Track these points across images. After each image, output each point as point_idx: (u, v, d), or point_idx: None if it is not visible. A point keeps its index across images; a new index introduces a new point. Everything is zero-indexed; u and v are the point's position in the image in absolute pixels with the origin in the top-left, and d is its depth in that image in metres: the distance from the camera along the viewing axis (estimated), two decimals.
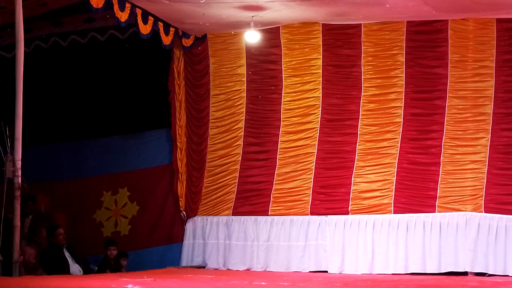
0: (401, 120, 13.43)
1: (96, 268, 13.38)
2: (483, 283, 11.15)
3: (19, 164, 10.45)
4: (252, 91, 14.25)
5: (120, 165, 14.93)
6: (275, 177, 13.88)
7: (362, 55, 13.67)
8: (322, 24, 13.78)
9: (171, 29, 13.75)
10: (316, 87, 13.90)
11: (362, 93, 13.65)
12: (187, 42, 14.28)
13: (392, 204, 13.15)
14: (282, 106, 14.03)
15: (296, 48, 14.03)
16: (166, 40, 13.67)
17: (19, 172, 10.45)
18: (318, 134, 13.81)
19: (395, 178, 13.26)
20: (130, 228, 14.75)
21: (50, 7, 13.26)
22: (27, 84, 10.94)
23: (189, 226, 14.23)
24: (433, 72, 13.36)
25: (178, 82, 14.49)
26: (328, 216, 13.44)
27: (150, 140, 14.88)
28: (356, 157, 13.54)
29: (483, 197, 12.77)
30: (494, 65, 13.07)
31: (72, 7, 13.35)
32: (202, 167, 14.32)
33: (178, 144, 14.40)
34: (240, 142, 14.20)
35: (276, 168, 13.91)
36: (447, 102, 13.22)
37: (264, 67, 14.22)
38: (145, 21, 12.94)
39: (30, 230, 13.34)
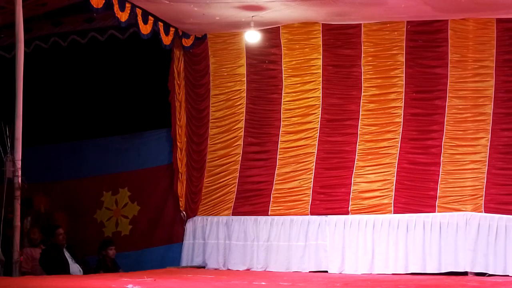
0: (401, 120, 13.43)
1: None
2: (483, 283, 11.15)
3: (19, 164, 10.46)
4: (252, 91, 14.25)
5: (120, 165, 14.93)
6: (275, 177, 13.88)
7: (362, 55, 13.67)
8: (322, 24, 13.78)
9: (171, 29, 13.75)
10: (316, 87, 13.91)
11: (362, 93, 13.65)
12: (187, 42, 14.29)
13: (392, 204, 13.15)
14: (282, 106, 14.03)
15: (296, 48, 14.03)
16: (166, 40, 13.68)
17: (19, 172, 10.46)
18: (318, 134, 13.81)
19: (395, 178, 13.26)
20: (131, 228, 14.74)
21: (50, 7, 13.27)
22: (27, 84, 10.94)
23: (189, 226, 14.23)
24: (433, 72, 13.36)
25: (178, 82, 14.49)
26: (328, 216, 13.43)
27: (150, 140, 14.88)
28: (356, 157, 13.54)
29: (483, 197, 12.77)
30: (494, 65, 13.06)
31: (72, 7, 13.36)
32: (202, 167, 14.32)
33: (178, 144, 14.40)
34: (240, 142, 14.20)
35: (276, 168, 13.91)
36: (447, 102, 13.22)
37: (264, 67, 14.22)
38: (145, 21, 12.95)
39: (29, 229, 13.33)
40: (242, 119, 14.25)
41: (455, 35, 13.22)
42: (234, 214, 13.98)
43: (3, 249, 11.46)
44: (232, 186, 14.11)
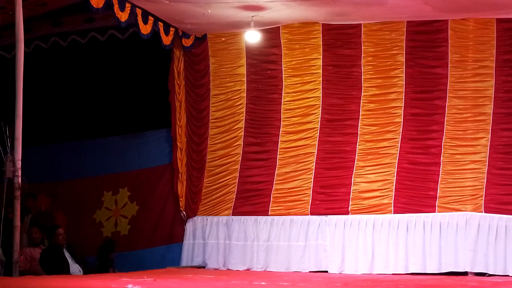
0: (401, 120, 13.44)
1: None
2: (483, 283, 11.15)
3: (19, 164, 10.46)
4: (252, 91, 14.25)
5: (120, 165, 14.94)
6: (275, 177, 13.88)
7: (362, 55, 13.68)
8: (322, 24, 13.78)
9: (171, 29, 13.76)
10: (316, 87, 13.91)
11: (362, 93, 13.65)
12: (187, 42, 14.29)
13: (392, 204, 13.15)
14: (282, 106, 14.04)
15: (296, 48, 14.03)
16: (166, 40, 13.68)
17: (19, 172, 10.46)
18: (318, 134, 13.82)
19: (395, 178, 13.26)
20: (130, 228, 14.75)
21: (50, 7, 13.28)
22: (27, 84, 10.93)
23: (189, 226, 14.23)
24: (433, 72, 13.36)
25: (178, 82, 14.50)
26: (328, 216, 13.43)
27: (150, 140, 14.88)
28: (356, 157, 13.54)
29: (483, 197, 12.77)
30: (494, 65, 13.07)
31: (72, 7, 13.36)
32: (202, 167, 14.32)
33: (178, 144, 14.40)
34: (240, 142, 14.20)
35: (276, 168, 13.92)
36: (447, 102, 13.23)
37: (264, 67, 14.22)
38: (145, 21, 12.95)
39: (30, 229, 13.33)
40: (242, 119, 14.25)
41: (455, 35, 13.22)
42: (234, 214, 13.99)
43: (4, 249, 11.46)
44: (232, 186, 14.12)
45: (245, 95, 14.27)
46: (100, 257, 13.72)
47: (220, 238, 13.97)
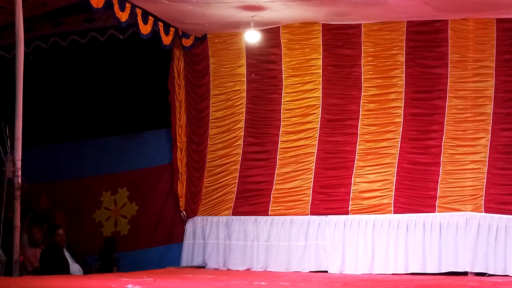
0: (401, 120, 13.44)
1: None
2: (483, 283, 11.15)
3: (19, 164, 10.46)
4: (252, 91, 14.25)
5: (120, 165, 14.93)
6: (275, 177, 13.88)
7: (362, 55, 13.68)
8: (322, 24, 13.79)
9: (171, 29, 13.76)
10: (316, 87, 13.91)
11: (362, 93, 13.65)
12: (187, 42, 14.30)
13: (392, 204, 13.15)
14: (282, 106, 14.04)
15: (296, 48, 14.03)
16: (166, 40, 13.68)
17: (19, 172, 10.46)
18: (318, 134, 13.82)
19: (395, 178, 13.27)
20: (129, 228, 14.75)
21: (50, 7, 13.27)
22: (27, 84, 10.94)
23: (189, 226, 14.23)
24: (433, 72, 13.36)
25: (178, 82, 14.50)
26: (328, 216, 13.44)
27: (150, 140, 14.88)
28: (356, 157, 13.54)
29: (483, 197, 12.77)
30: (494, 65, 13.07)
31: (72, 7, 13.36)
32: (202, 167, 14.32)
33: (178, 144, 14.41)
34: (240, 142, 14.20)
35: (276, 168, 13.92)
36: (447, 102, 13.23)
37: (264, 67, 14.22)
38: (145, 21, 12.95)
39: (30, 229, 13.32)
40: (242, 119, 14.25)
41: (455, 35, 13.22)
42: (234, 214, 13.99)
43: (4, 249, 11.46)
44: (232, 186, 14.12)
45: (245, 95, 14.28)
46: (102, 256, 13.73)
47: (220, 238, 13.97)
